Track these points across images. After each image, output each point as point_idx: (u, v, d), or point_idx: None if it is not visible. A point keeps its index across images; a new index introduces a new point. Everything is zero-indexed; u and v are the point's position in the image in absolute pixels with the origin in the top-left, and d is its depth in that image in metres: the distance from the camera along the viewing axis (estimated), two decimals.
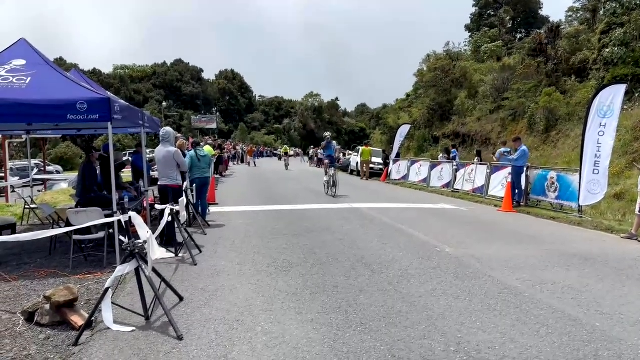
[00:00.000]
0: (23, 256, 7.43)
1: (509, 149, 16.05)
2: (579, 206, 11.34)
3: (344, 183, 22.66)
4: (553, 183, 12.51)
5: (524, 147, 13.47)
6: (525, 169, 13.37)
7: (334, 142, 17.89)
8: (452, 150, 21.86)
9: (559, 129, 24.66)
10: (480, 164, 17.00)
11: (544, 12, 53.91)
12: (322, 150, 18.88)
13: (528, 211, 12.51)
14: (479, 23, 52.08)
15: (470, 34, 52.45)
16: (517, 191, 13.33)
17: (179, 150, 8.15)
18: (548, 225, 10.66)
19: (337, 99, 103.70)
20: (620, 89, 10.98)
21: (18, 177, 20.77)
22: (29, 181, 13.22)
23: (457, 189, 17.40)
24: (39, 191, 15.74)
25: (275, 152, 67.38)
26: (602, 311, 4.88)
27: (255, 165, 40.38)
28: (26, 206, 10.70)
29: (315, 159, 44.76)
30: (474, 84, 36.70)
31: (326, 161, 16.67)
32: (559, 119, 24.86)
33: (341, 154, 39.27)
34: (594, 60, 25.83)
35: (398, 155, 25.85)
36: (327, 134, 17.96)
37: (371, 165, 26.98)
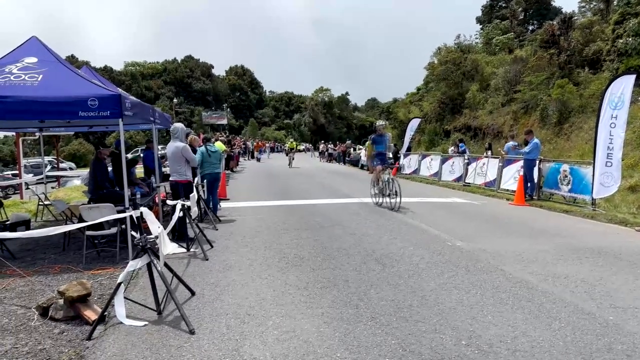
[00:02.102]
0: (37, 252, 7.53)
1: (517, 143, 15.90)
2: (593, 199, 11.21)
3: (353, 177, 22.71)
4: (566, 176, 12.37)
5: (536, 140, 13.33)
6: (537, 162, 13.25)
7: (388, 135, 12.85)
8: (460, 145, 21.69)
9: (572, 121, 24.40)
10: (492, 158, 16.87)
11: (556, 3, 53.21)
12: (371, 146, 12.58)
13: (541, 204, 12.39)
14: (490, 15, 51.56)
15: (481, 26, 51.95)
16: (529, 184, 13.22)
17: (187, 146, 8.18)
18: (561, 219, 10.56)
19: (347, 93, 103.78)
20: (630, 80, 10.83)
21: (32, 174, 21.09)
22: (42, 178, 13.39)
23: (469, 183, 17.29)
24: (52, 188, 15.91)
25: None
26: (616, 305, 4.83)
27: (258, 160, 40.39)
28: (40, 203, 10.83)
29: (326, 153, 44.76)
30: (486, 77, 36.40)
31: (377, 165, 12.08)
32: (572, 111, 24.59)
33: (351, 149, 39.26)
34: (608, 51, 25.49)
35: (409, 149, 25.76)
36: (381, 122, 12.92)
37: None
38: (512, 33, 43.25)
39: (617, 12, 25.72)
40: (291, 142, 40.03)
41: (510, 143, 15.84)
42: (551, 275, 5.84)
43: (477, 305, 4.80)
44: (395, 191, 11.23)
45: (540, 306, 4.76)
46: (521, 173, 13.40)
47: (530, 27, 51.18)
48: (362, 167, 29.79)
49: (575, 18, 31.81)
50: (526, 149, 13.31)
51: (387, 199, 11.57)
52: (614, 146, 10.73)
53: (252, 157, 43.47)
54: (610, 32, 25.84)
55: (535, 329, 4.20)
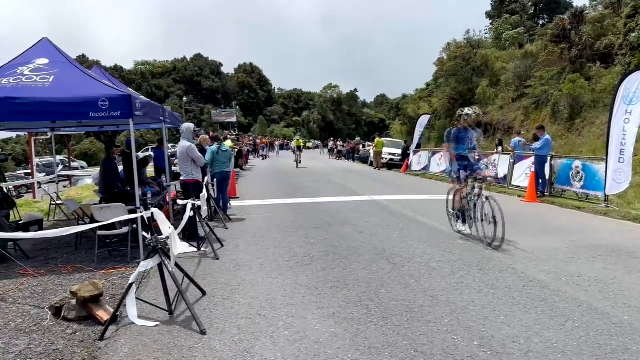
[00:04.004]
0: (50, 251, 7.60)
1: (523, 139, 15.79)
2: (605, 196, 11.08)
3: (362, 174, 22.67)
4: (578, 172, 12.25)
5: (547, 136, 13.21)
6: (548, 158, 13.12)
7: (477, 131, 8.31)
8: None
9: (584, 116, 24.15)
10: (503, 154, 16.76)
11: None
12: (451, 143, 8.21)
13: (552, 201, 12.28)
14: (500, 10, 51.13)
15: (491, 21, 51.52)
16: (540, 181, 13.10)
17: (193, 146, 8.18)
18: (573, 216, 10.45)
19: (355, 90, 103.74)
20: None
21: (44, 174, 21.30)
22: (54, 177, 13.51)
23: None
24: (64, 187, 16.05)
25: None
26: (630, 304, 4.76)
27: (264, 158, 40.28)
28: (52, 202, 10.93)
29: (335, 151, 44.68)
30: (496, 72, 36.14)
31: (460, 174, 7.93)
32: (584, 106, 24.33)
33: (360, 146, 39.17)
34: (620, 46, 25.17)
35: (419, 146, 25.66)
36: (471, 111, 8.13)
37: (391, 157, 27.36)
38: (522, 28, 42.88)
39: (629, 6, 25.35)
40: (297, 140, 34.22)
41: (517, 139, 15.75)
42: (564, 274, 5.78)
43: (489, 305, 4.76)
44: (494, 217, 7.06)
45: (553, 306, 4.71)
46: (532, 169, 13.29)
47: (541, 22, 50.73)
48: (371, 164, 29.75)
49: (587, 12, 31.42)
50: (537, 145, 13.19)
51: (479, 228, 7.53)
52: (627, 142, 10.60)
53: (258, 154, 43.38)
54: (622, 25, 25.49)
55: (548, 329, 4.16)
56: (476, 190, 7.61)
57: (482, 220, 7.36)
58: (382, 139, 28.94)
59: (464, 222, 7.97)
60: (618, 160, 10.69)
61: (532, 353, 3.71)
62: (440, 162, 21.13)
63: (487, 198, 7.32)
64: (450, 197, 8.44)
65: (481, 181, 7.61)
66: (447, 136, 8.28)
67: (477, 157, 8.12)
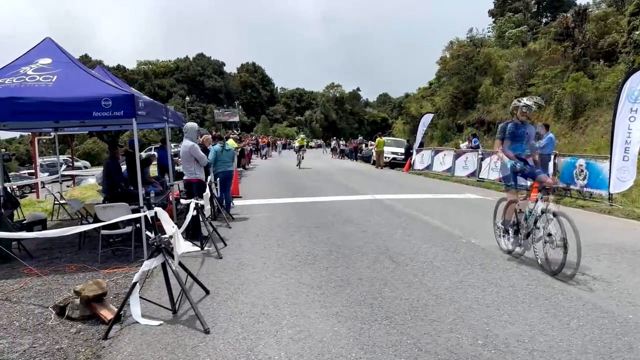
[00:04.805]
0: (54, 251, 7.62)
1: None
2: (609, 194, 11.04)
3: (364, 174, 22.65)
4: (582, 171, 12.20)
5: (550, 135, 13.16)
6: (552, 156, 13.08)
7: (535, 126, 7.45)
8: (474, 140, 21.49)
9: (588, 114, 24.08)
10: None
11: None
12: (502, 138, 6.56)
13: (556, 200, 12.21)
14: (502, 8, 50.90)
15: (493, 19, 51.34)
16: None
17: (195, 145, 8.19)
18: (577, 214, 10.36)
19: (358, 89, 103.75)
20: None
21: (47, 173, 21.37)
22: (58, 177, 13.55)
23: (483, 178, 17.14)
24: (67, 186, 16.09)
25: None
26: (635, 302, 4.74)
27: (264, 158, 40.21)
28: (56, 202, 10.96)
29: (338, 150, 44.63)
30: (499, 71, 36.05)
31: (511, 188, 6.65)
32: (587, 104, 24.26)
33: (363, 145, 39.11)
34: (624, 44, 25.09)
35: (421, 144, 25.62)
36: (529, 101, 6.47)
37: (394, 156, 27.39)
38: (525, 26, 42.72)
39: (633, 4, 25.28)
40: (301, 139, 31.51)
41: None
42: None
43: (493, 303, 4.75)
44: (563, 239, 5.43)
45: (557, 304, 4.69)
46: None
47: (544, 20, 50.55)
48: (373, 163, 29.73)
49: (590, 10, 31.31)
50: (540, 143, 13.14)
51: (539, 250, 5.98)
52: (632, 140, 10.55)
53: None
54: (625, 23, 25.43)
55: (553, 328, 4.14)
56: (539, 204, 6.09)
57: (545, 242, 5.77)
58: (384, 138, 28.93)
59: (513, 234, 6.52)
60: (622, 159, 10.64)
61: (536, 352, 3.70)
62: (443, 161, 21.09)
63: (554, 214, 5.71)
64: (500, 207, 6.90)
65: (548, 192, 6.10)
66: (501, 132, 6.56)
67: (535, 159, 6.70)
